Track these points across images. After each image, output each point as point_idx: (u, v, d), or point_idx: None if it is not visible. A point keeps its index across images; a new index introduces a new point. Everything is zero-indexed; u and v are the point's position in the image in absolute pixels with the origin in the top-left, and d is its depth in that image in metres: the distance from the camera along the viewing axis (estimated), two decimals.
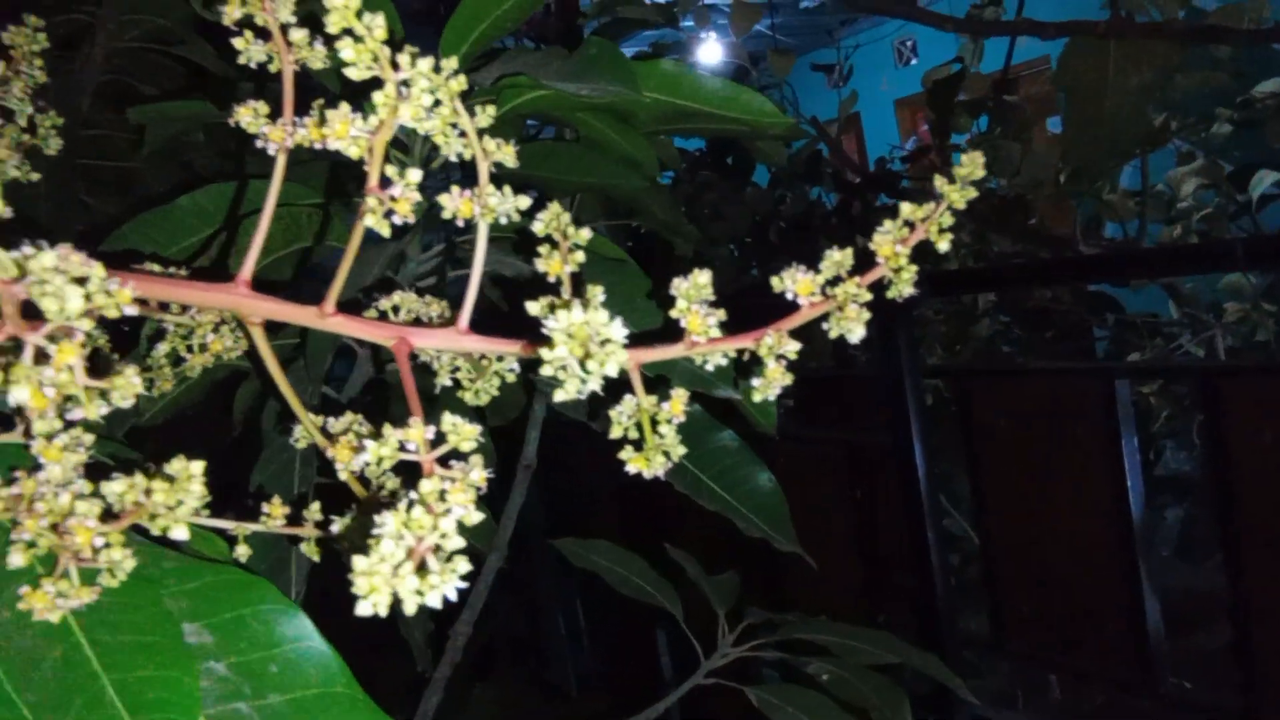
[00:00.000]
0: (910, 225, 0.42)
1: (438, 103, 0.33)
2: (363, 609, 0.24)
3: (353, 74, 0.29)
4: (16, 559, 0.28)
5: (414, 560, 0.25)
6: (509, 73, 0.65)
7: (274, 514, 0.39)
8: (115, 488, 0.28)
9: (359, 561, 0.24)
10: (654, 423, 0.38)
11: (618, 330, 0.29)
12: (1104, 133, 1.48)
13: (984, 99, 1.85)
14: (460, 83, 0.32)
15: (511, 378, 0.43)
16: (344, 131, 0.30)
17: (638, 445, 0.39)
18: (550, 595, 2.68)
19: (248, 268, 0.35)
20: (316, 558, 0.42)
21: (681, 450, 0.39)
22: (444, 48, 0.76)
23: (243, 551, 0.40)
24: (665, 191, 1.19)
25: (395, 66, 0.29)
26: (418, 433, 0.29)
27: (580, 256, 0.38)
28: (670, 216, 1.19)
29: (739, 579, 1.18)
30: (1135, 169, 2.00)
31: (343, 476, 0.39)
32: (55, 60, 1.15)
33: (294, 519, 0.41)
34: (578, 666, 2.74)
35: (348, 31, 0.28)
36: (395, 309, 0.44)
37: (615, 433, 0.39)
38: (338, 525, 0.41)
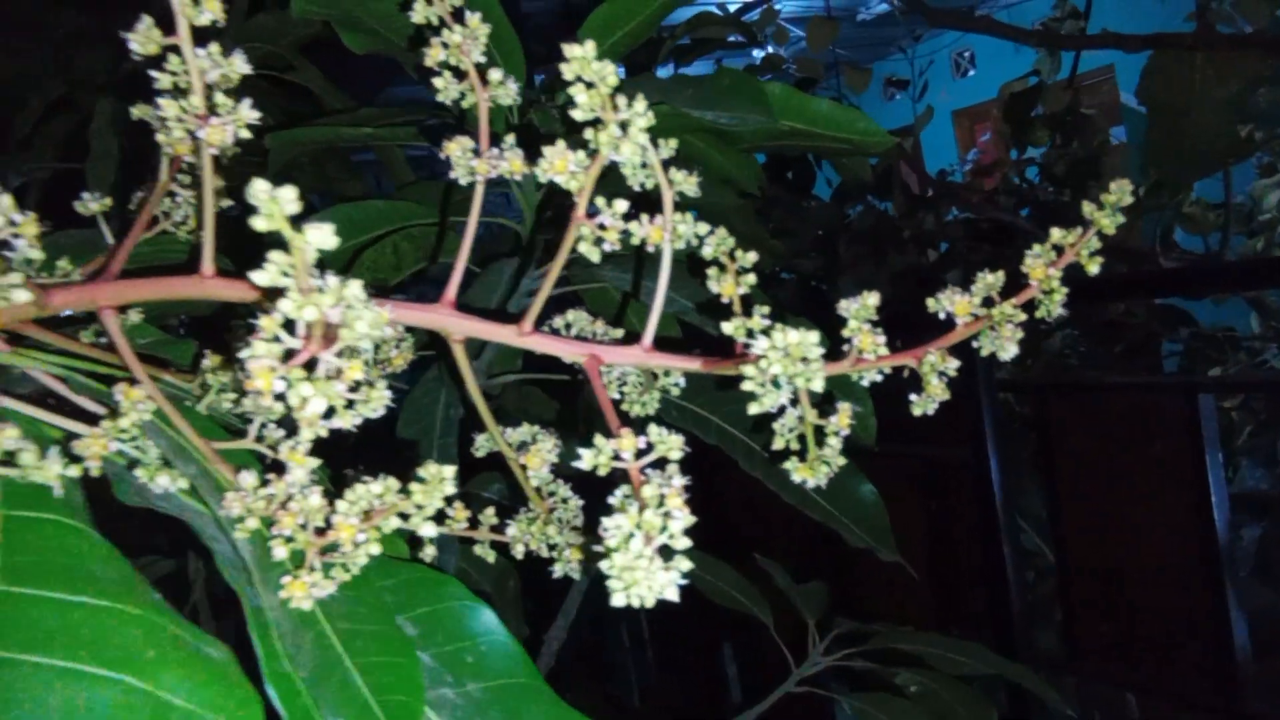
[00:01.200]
0: (1059, 249, 0.44)
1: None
2: (618, 600, 0.27)
3: (579, 115, 0.32)
4: (280, 552, 0.32)
5: (648, 557, 0.28)
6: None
7: (459, 517, 0.42)
8: (375, 489, 0.31)
9: (620, 558, 0.27)
10: (819, 435, 0.40)
11: (819, 349, 0.32)
12: (1188, 146, 1.47)
13: (1062, 113, 1.84)
14: (649, 119, 0.35)
15: (676, 391, 0.45)
16: (562, 166, 0.33)
17: (800, 456, 0.41)
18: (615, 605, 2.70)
19: (452, 289, 0.38)
20: (491, 559, 0.45)
21: (842, 461, 0.42)
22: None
23: (430, 553, 0.43)
24: (748, 206, 1.21)
25: (615, 108, 0.32)
26: (630, 442, 0.32)
27: (751, 279, 0.41)
28: (752, 231, 1.21)
29: (827, 588, 1.20)
30: (1214, 181, 1.98)
31: (526, 484, 0.42)
32: None
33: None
34: (640, 678, 2.75)
35: (579, 79, 0.31)
36: (568, 325, 0.47)
37: (778, 445, 0.42)
38: (513, 529, 0.44)
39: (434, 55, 0.39)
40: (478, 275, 0.75)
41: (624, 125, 0.32)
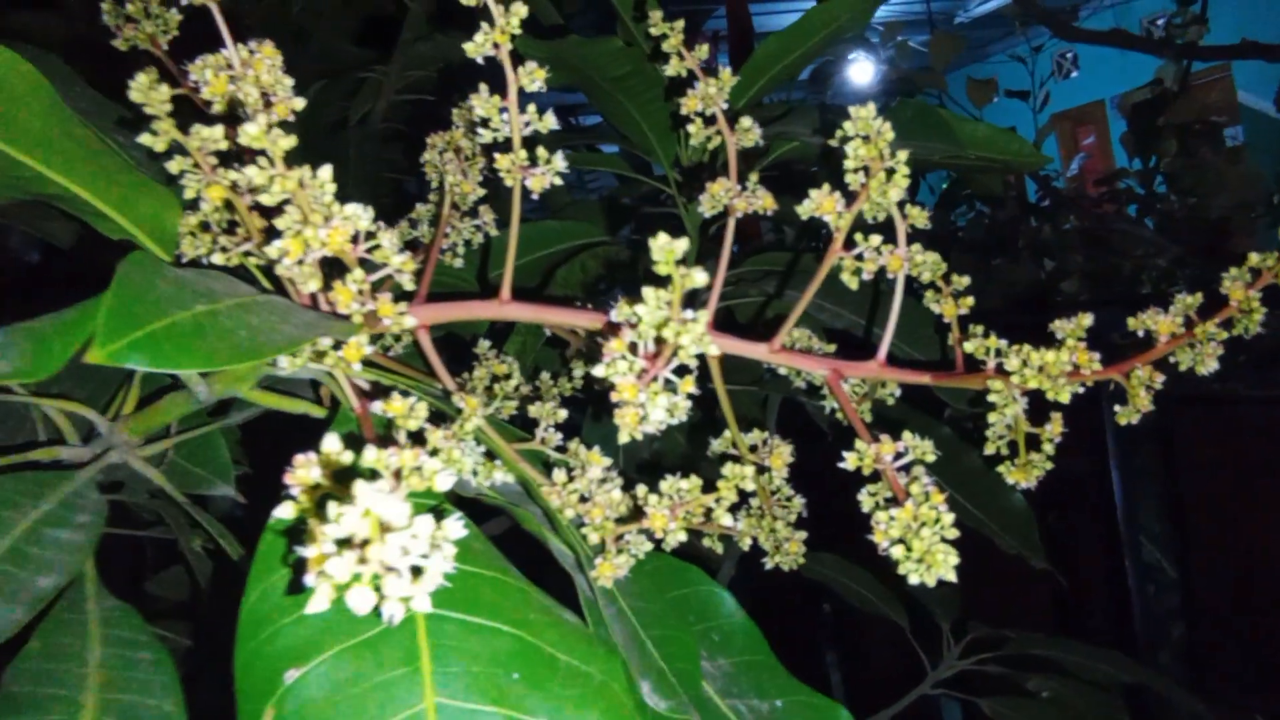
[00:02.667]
0: (1256, 272, 0.47)
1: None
2: (914, 579, 0.32)
3: (850, 164, 0.37)
4: (594, 537, 0.37)
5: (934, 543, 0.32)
6: (803, 126, 0.73)
7: (696, 511, 0.47)
8: (683, 484, 0.37)
9: (905, 551, 0.32)
10: (1032, 440, 0.44)
11: (1068, 366, 0.36)
12: None
13: (1191, 121, 1.82)
14: (903, 167, 0.40)
15: (891, 401, 0.50)
16: (830, 206, 0.38)
17: (1011, 460, 0.45)
18: None
19: (711, 309, 0.44)
20: (720, 550, 0.50)
21: (1049, 465, 0.46)
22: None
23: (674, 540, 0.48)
24: None
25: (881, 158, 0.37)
26: (889, 447, 0.37)
27: (971, 300, 0.45)
28: None
29: (959, 592, 1.22)
30: None
31: (752, 485, 0.47)
32: (341, 110, 1.31)
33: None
34: None
35: (860, 136, 0.36)
36: (793, 342, 0.52)
37: (989, 450, 0.46)
38: (742, 524, 0.50)
39: (690, 105, 0.45)
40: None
41: (890, 172, 0.37)
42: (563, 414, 0.43)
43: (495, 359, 0.54)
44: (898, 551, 0.33)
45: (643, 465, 0.79)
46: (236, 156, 0.36)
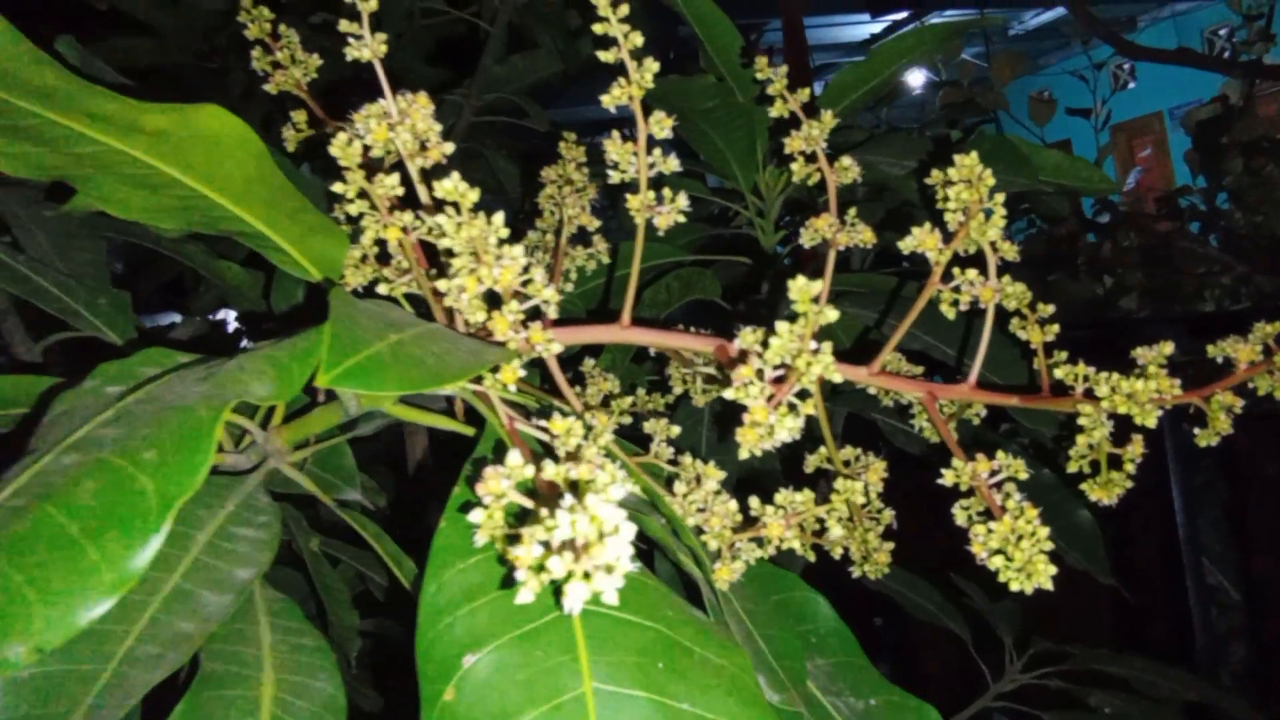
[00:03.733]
0: None
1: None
2: (1015, 586, 0.35)
3: (951, 206, 0.41)
4: (713, 543, 0.41)
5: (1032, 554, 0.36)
6: (883, 155, 0.76)
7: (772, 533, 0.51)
8: (796, 497, 0.40)
9: (1005, 559, 0.35)
10: (1114, 460, 0.47)
11: (1155, 393, 0.39)
12: None
13: (1257, 138, 1.81)
14: (999, 208, 0.43)
15: (976, 421, 0.53)
16: (932, 244, 0.42)
17: (1093, 478, 0.48)
18: None
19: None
20: (812, 558, 0.53)
21: (1129, 484, 0.48)
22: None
23: (756, 553, 0.52)
24: None
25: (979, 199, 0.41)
26: (985, 465, 0.40)
27: (1056, 328, 0.48)
28: None
29: (1021, 608, 1.23)
30: None
31: (838, 502, 0.51)
32: None
33: None
34: None
35: (963, 180, 0.40)
36: (885, 365, 0.55)
37: (1072, 468, 0.49)
38: (837, 532, 0.53)
39: (794, 145, 0.48)
40: (731, 312, 0.84)
41: (988, 213, 0.40)
42: (675, 430, 0.47)
43: (602, 377, 0.58)
44: (998, 561, 0.36)
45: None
46: (405, 200, 0.40)
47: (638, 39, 0.40)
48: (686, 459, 0.45)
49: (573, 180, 0.57)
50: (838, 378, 0.35)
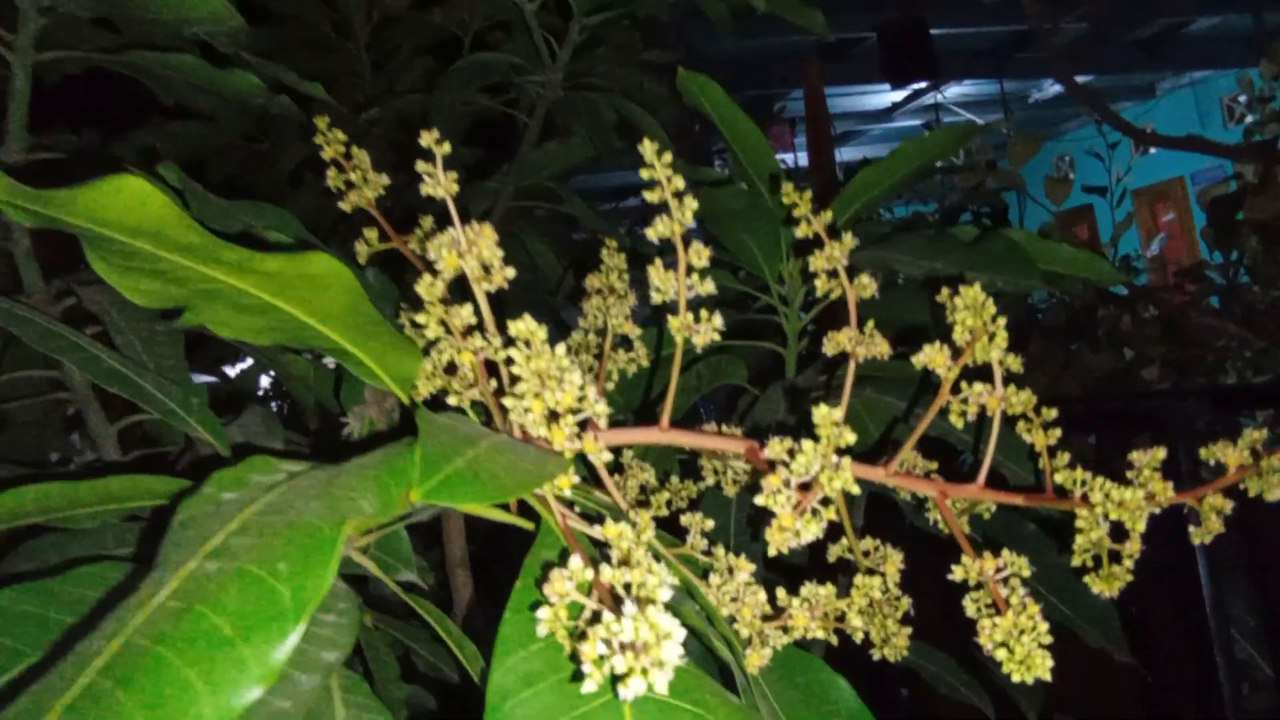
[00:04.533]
0: None
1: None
2: (1015, 678, 0.39)
3: (959, 332, 0.46)
4: (744, 631, 0.45)
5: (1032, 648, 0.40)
6: (901, 254, 0.81)
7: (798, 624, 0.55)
8: (820, 591, 0.45)
9: (1008, 651, 0.39)
10: (1115, 555, 0.51)
11: (1143, 501, 0.43)
12: None
13: (1272, 217, 1.85)
14: (1002, 332, 0.48)
15: (987, 515, 0.57)
16: (940, 361, 0.46)
17: (1095, 571, 0.52)
18: None
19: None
20: (835, 641, 0.57)
21: (1129, 577, 0.52)
22: (837, 212, 0.94)
23: (783, 640, 0.56)
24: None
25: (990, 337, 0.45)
26: (991, 563, 0.44)
27: (1058, 432, 0.53)
28: None
29: (1043, 684, 1.25)
30: None
31: (857, 596, 0.55)
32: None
33: None
34: None
35: (968, 308, 0.45)
36: (902, 463, 0.60)
37: (1076, 561, 0.53)
38: (857, 619, 0.57)
39: (817, 264, 0.54)
40: (758, 397, 0.89)
41: (992, 335, 0.45)
42: (709, 524, 0.52)
43: (639, 466, 0.63)
44: (1001, 653, 0.40)
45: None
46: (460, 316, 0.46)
47: (679, 182, 0.46)
48: (719, 551, 0.50)
49: (615, 288, 0.63)
50: (856, 490, 0.40)
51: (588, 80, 1.29)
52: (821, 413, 0.37)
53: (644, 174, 0.45)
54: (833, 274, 0.55)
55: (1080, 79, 8.03)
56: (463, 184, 1.56)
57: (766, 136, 2.40)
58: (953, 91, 7.64)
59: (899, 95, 7.38)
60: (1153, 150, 9.71)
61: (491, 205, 1.40)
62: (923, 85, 6.74)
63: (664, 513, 0.56)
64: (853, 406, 0.99)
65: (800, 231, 0.55)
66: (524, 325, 0.38)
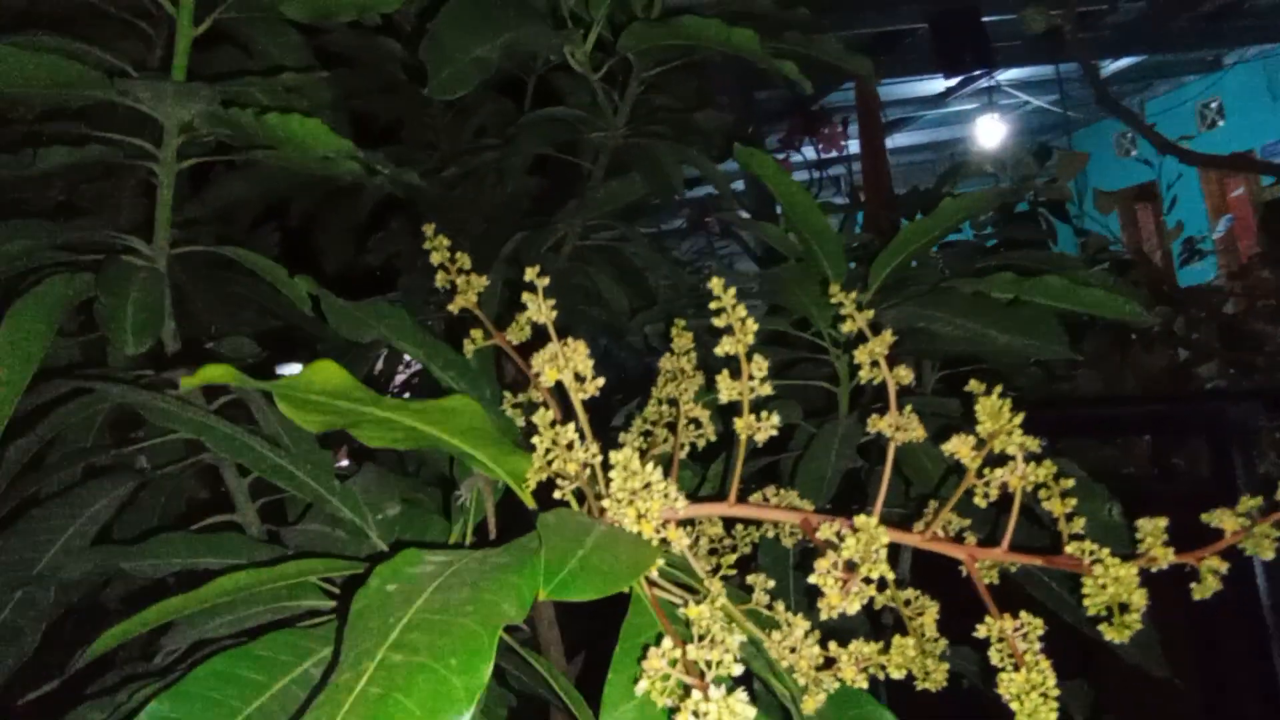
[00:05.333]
0: None
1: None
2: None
3: (981, 429, 0.54)
4: (802, 680, 0.55)
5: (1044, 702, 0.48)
6: (941, 313, 0.89)
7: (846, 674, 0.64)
8: (865, 649, 0.54)
9: (1020, 704, 0.48)
10: (1123, 607, 0.59)
11: (1136, 580, 0.51)
12: None
13: None
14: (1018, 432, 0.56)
15: (1014, 569, 0.66)
16: (966, 453, 0.55)
17: (1109, 621, 0.60)
18: None
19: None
20: (864, 684, 0.66)
21: (1139, 625, 0.60)
22: (872, 276, 1.02)
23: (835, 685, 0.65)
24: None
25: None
26: (1010, 624, 0.53)
27: (1074, 501, 0.61)
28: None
29: (1090, 688, 1.32)
30: None
31: (895, 654, 0.64)
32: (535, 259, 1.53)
33: None
34: None
35: (988, 418, 0.53)
36: (933, 531, 0.68)
37: (1090, 611, 0.61)
38: (897, 658, 0.66)
39: (860, 356, 0.62)
40: (814, 434, 0.97)
41: (1009, 431, 0.54)
42: (771, 583, 0.61)
43: (710, 521, 0.72)
44: (1015, 705, 0.49)
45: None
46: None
47: (741, 311, 0.55)
48: (780, 606, 0.59)
49: (684, 369, 0.72)
50: (890, 575, 0.48)
51: (647, 129, 1.38)
52: (861, 520, 0.46)
53: (713, 306, 0.55)
54: (874, 364, 0.63)
55: (1143, 56, 7.83)
56: (528, 214, 1.66)
57: (816, 137, 2.50)
58: (1008, 74, 7.55)
59: (953, 80, 7.31)
60: (1221, 123, 9.46)
61: (560, 243, 1.50)
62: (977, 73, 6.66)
63: (733, 572, 0.65)
64: (914, 451, 1.07)
65: (845, 328, 0.64)
66: (622, 455, 0.48)
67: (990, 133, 8.24)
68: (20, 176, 0.75)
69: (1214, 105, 9.30)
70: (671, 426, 0.73)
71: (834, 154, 3.66)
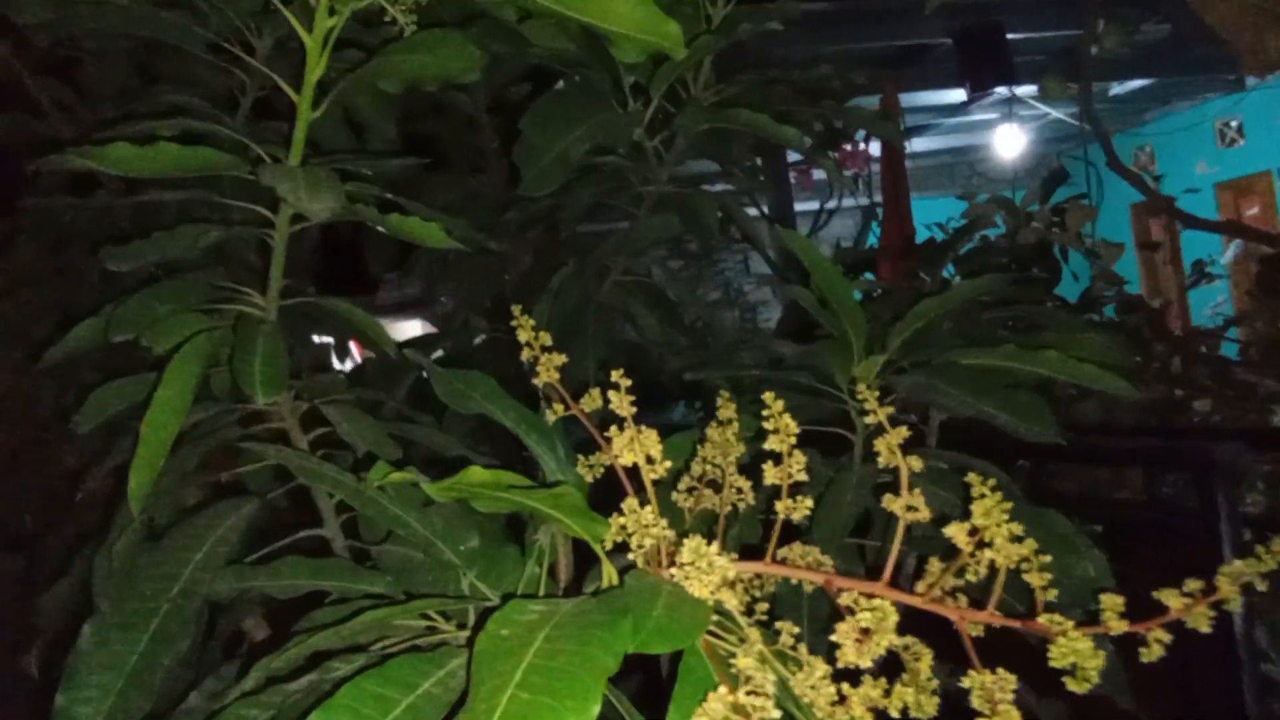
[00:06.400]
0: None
1: None
2: None
3: (977, 521, 0.67)
4: (819, 714, 0.68)
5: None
6: (948, 387, 1.02)
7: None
8: (873, 693, 0.67)
9: None
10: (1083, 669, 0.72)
11: (1099, 657, 0.65)
12: None
13: None
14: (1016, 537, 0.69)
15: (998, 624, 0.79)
16: (963, 539, 0.68)
17: (1073, 675, 0.73)
18: None
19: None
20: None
21: (1098, 679, 0.74)
22: (890, 341, 1.15)
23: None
24: None
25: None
26: (990, 677, 0.66)
27: (1049, 576, 0.74)
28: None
29: (1066, 708, 1.46)
30: None
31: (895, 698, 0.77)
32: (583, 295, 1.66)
33: None
34: None
35: (988, 525, 0.66)
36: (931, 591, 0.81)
37: (1055, 664, 0.74)
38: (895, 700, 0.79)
39: (880, 445, 0.75)
40: (832, 479, 1.11)
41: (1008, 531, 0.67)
42: (797, 629, 0.74)
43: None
44: None
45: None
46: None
47: (793, 429, 0.68)
48: (802, 649, 0.72)
49: (730, 440, 0.85)
50: (898, 642, 0.62)
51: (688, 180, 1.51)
52: (876, 597, 0.60)
53: (768, 425, 0.68)
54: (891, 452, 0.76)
55: (1166, 77, 7.87)
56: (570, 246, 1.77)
57: (836, 153, 2.64)
58: (1029, 87, 7.62)
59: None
60: (1240, 143, 9.52)
61: (603, 278, 1.63)
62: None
63: (765, 616, 0.79)
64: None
65: (869, 419, 0.77)
66: (693, 542, 0.61)
67: (1009, 142, 8.34)
68: (181, 256, 0.89)
69: (1234, 124, 9.36)
70: (714, 485, 0.86)
71: (854, 171, 3.77)
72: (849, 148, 3.65)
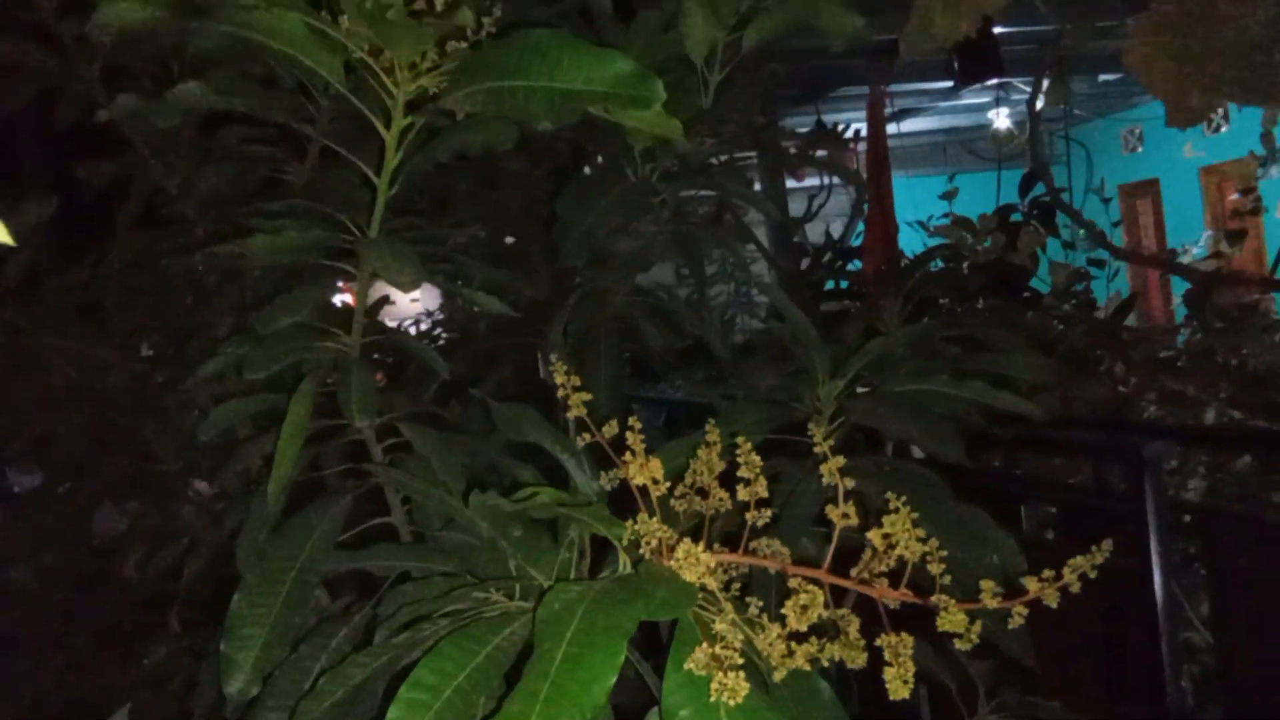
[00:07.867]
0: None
1: None
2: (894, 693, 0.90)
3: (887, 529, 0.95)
4: (774, 661, 0.96)
5: None
6: (889, 413, 1.29)
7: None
8: (812, 647, 0.95)
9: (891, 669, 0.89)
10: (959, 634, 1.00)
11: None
12: None
13: (1236, 301, 2.25)
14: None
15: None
16: (879, 542, 0.96)
17: (959, 637, 1.01)
18: None
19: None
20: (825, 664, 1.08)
21: (976, 640, 1.02)
22: (849, 367, 1.42)
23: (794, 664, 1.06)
24: None
25: None
26: (895, 638, 0.94)
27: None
28: None
29: (996, 665, 1.74)
30: None
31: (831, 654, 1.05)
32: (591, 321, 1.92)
33: None
34: None
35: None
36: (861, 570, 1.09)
37: (942, 629, 1.02)
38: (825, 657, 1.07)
39: (833, 514, 1.03)
40: (801, 480, 1.38)
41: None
42: (761, 603, 1.02)
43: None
44: (890, 684, 0.90)
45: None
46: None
47: (762, 482, 0.95)
48: (765, 617, 1.00)
49: (714, 459, 1.13)
50: (831, 614, 0.89)
51: (687, 218, 1.77)
52: (803, 585, 0.87)
53: (740, 458, 0.95)
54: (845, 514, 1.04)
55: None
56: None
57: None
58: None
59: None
60: (1225, 128, 9.74)
61: (609, 299, 1.89)
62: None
63: (738, 593, 1.06)
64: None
65: (817, 449, 1.05)
66: (685, 546, 0.88)
67: (1000, 123, 8.58)
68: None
69: (1219, 109, 9.57)
70: (703, 492, 1.14)
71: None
72: (829, 143, 3.89)
